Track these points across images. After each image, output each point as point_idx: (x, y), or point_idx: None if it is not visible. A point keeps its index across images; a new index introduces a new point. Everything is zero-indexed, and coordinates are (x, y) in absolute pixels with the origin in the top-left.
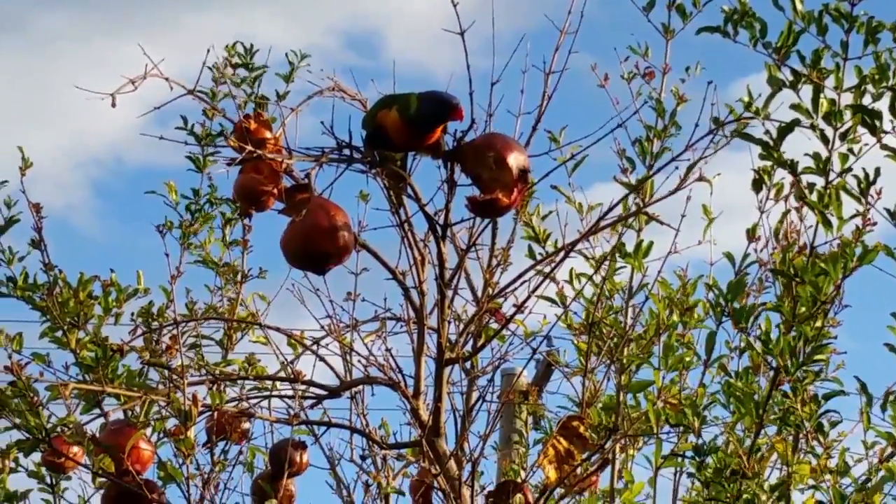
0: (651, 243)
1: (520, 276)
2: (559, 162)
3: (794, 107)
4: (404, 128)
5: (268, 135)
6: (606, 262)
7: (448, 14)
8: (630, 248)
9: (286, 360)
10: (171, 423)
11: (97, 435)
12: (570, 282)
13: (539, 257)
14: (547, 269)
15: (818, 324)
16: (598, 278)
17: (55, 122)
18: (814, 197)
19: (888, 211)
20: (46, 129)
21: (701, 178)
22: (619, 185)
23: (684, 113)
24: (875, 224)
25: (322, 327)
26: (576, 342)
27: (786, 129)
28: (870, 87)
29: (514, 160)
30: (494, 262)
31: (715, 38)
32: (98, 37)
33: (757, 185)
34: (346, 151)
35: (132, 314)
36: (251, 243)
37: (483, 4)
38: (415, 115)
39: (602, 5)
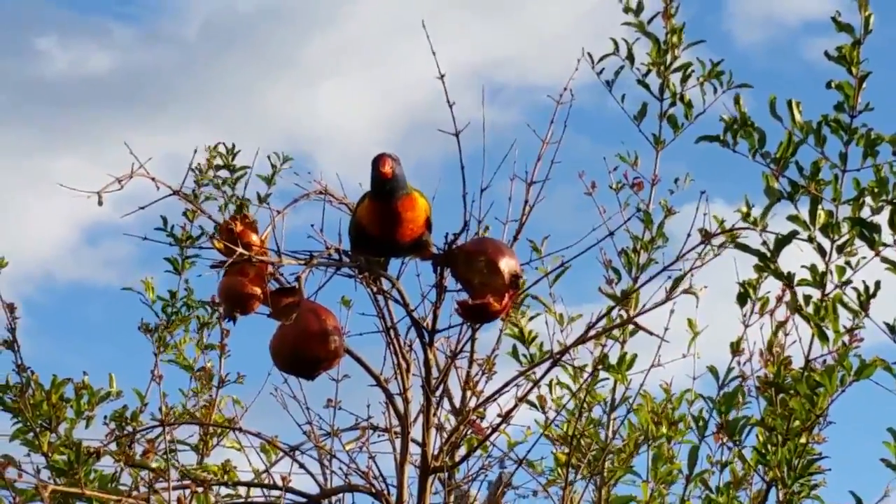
0: (635, 356)
1: (501, 388)
2: (541, 273)
3: (792, 218)
4: (372, 208)
5: (254, 237)
6: (588, 374)
7: (379, 135)
8: (613, 360)
9: (266, 465)
10: None
11: None
12: (550, 390)
13: (523, 359)
14: (531, 380)
15: (802, 440)
16: (577, 389)
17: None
18: (810, 309)
19: (888, 325)
20: None
21: (688, 291)
22: (604, 296)
23: (672, 223)
24: (862, 340)
25: (304, 433)
26: (555, 452)
27: (783, 241)
28: (868, 200)
29: (506, 265)
30: (475, 370)
31: (705, 148)
32: (37, 153)
33: (742, 298)
34: (335, 255)
35: (105, 417)
36: (229, 347)
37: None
38: (371, 187)
39: (592, 111)
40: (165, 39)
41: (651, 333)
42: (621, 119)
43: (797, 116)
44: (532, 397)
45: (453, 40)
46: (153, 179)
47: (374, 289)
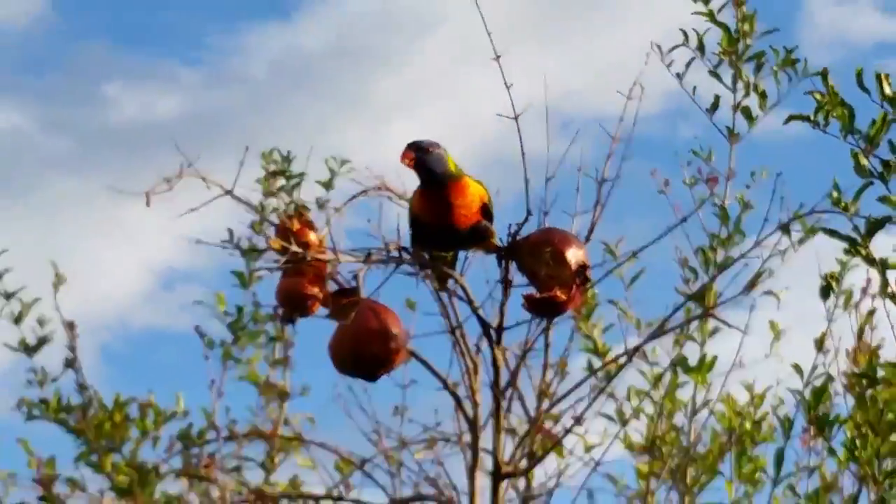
0: (715, 357)
1: (574, 387)
2: (617, 276)
3: (883, 199)
4: (422, 195)
5: (312, 236)
6: (666, 369)
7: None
8: (692, 362)
9: (336, 480)
10: None
11: None
12: (629, 398)
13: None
14: (600, 387)
15: (894, 437)
16: (656, 394)
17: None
18: None
19: None
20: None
21: (769, 293)
22: (680, 296)
23: (749, 218)
24: None
25: (370, 441)
26: (637, 465)
27: (877, 225)
28: None
29: (573, 255)
30: (549, 372)
31: (778, 137)
32: (107, 201)
33: (825, 291)
34: (394, 252)
35: (171, 437)
36: (293, 360)
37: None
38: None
39: (664, 105)
40: (233, 80)
41: (729, 326)
42: (686, 147)
43: (886, 89)
44: (610, 412)
45: (520, 75)
46: (203, 179)
47: (437, 286)
